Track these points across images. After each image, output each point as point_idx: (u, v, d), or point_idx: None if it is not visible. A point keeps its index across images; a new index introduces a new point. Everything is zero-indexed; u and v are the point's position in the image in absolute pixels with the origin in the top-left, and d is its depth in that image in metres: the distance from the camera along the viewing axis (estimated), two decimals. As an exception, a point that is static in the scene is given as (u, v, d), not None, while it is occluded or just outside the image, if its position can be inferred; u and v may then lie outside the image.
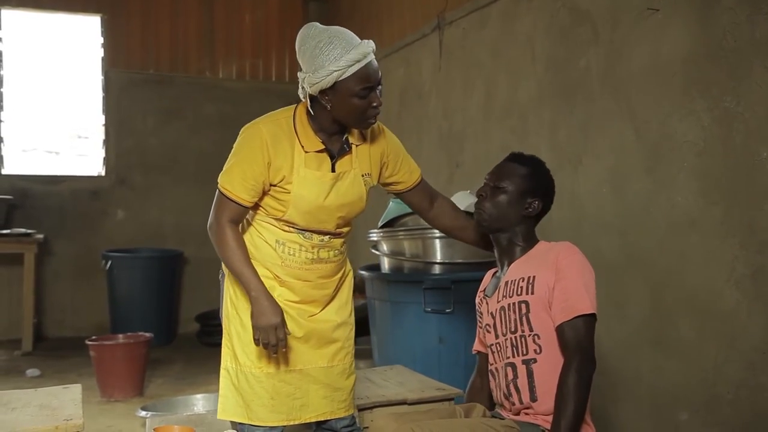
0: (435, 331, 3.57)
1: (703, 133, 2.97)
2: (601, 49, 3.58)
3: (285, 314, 2.27)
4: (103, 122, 7.16)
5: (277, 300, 2.28)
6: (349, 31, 2.22)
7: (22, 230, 6.28)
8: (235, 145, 2.30)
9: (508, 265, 2.36)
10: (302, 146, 2.25)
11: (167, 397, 4.19)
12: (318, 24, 2.23)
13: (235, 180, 2.24)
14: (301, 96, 2.25)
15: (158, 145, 7.31)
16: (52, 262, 6.90)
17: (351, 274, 2.54)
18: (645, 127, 3.29)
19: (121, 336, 4.99)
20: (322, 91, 2.16)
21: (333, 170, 2.29)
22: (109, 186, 7.16)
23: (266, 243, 2.33)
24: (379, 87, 2.21)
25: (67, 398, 2.70)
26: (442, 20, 5.19)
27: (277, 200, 2.28)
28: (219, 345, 2.44)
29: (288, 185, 2.24)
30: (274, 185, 2.26)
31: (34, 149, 7.27)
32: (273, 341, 2.20)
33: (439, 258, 3.64)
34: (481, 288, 2.51)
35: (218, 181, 2.30)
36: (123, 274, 6.54)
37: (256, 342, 2.23)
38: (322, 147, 2.27)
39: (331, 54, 2.12)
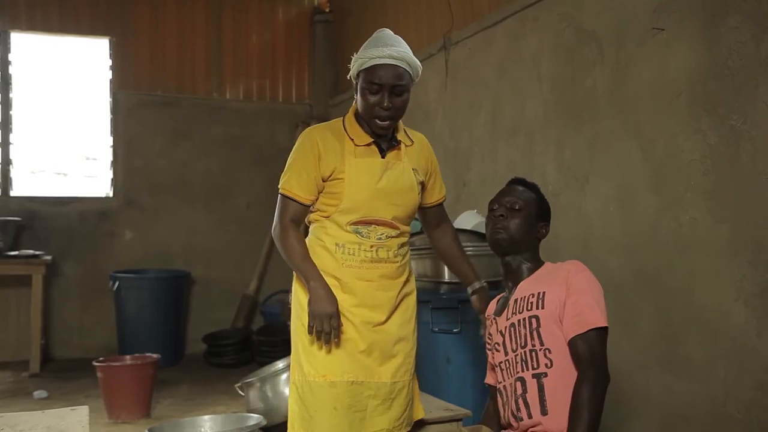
0: (443, 351, 3.55)
1: (710, 151, 2.97)
2: (607, 68, 3.59)
3: (348, 323, 2.37)
4: (111, 144, 7.20)
5: (342, 304, 2.36)
6: (398, 37, 2.45)
7: (31, 252, 6.29)
8: (292, 151, 2.46)
9: (516, 285, 2.38)
10: (352, 139, 2.41)
11: (174, 418, 4.18)
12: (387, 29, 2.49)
13: (292, 179, 2.39)
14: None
15: (166, 166, 7.34)
16: (60, 284, 6.91)
17: (415, 293, 2.60)
18: (651, 146, 3.29)
19: (128, 357, 4.98)
20: (356, 81, 2.41)
21: (383, 157, 2.45)
22: (117, 207, 7.18)
23: (325, 249, 2.42)
24: (400, 96, 2.37)
25: (74, 420, 2.70)
26: (448, 40, 5.22)
27: (331, 195, 2.39)
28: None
29: (341, 174, 2.37)
30: (326, 180, 2.38)
31: (42, 171, 7.30)
32: (327, 329, 2.28)
33: (446, 278, 3.63)
34: (488, 313, 2.53)
35: (279, 186, 2.43)
36: (130, 295, 6.54)
37: (310, 330, 2.31)
38: (371, 140, 2.43)
39: (365, 45, 2.40)
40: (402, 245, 2.51)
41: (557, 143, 3.98)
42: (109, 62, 7.18)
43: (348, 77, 2.49)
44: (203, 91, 7.54)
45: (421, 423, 2.73)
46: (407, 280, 2.55)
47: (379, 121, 2.38)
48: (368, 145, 2.43)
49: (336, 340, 2.34)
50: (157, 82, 7.35)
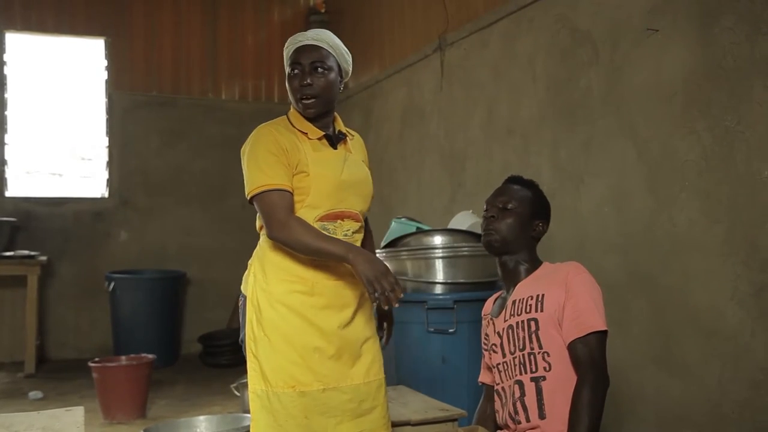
0: (438, 351, 3.56)
1: (705, 152, 2.98)
2: (602, 69, 3.60)
3: (315, 330, 2.29)
4: (107, 144, 7.20)
5: (309, 310, 2.29)
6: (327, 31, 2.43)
7: (26, 252, 6.28)
8: (247, 154, 2.35)
9: (514, 286, 2.37)
10: (305, 133, 2.37)
11: (170, 418, 4.18)
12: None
13: (268, 172, 2.27)
14: None
15: (161, 167, 7.34)
16: (56, 284, 6.90)
17: None
18: (646, 147, 3.30)
19: (123, 358, 4.98)
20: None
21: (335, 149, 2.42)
22: (113, 207, 7.18)
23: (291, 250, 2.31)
24: (323, 76, 2.35)
25: (69, 421, 2.69)
26: (443, 41, 5.23)
27: (296, 190, 2.31)
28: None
29: (305, 168, 2.30)
30: (294, 173, 2.31)
31: (37, 171, 7.29)
32: (388, 287, 2.12)
33: (441, 278, 3.64)
34: (485, 312, 2.53)
35: (251, 190, 2.29)
36: (126, 296, 6.54)
37: (374, 299, 2.14)
38: (322, 133, 2.39)
39: None
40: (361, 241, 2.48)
41: (552, 144, 3.99)
42: (105, 62, 7.18)
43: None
44: (199, 91, 7.54)
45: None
46: None
47: (303, 101, 2.34)
48: (320, 138, 2.38)
49: (402, 296, 2.15)
50: (152, 83, 7.35)
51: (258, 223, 2.43)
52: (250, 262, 2.45)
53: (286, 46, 2.42)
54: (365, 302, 2.44)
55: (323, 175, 2.31)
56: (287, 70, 2.41)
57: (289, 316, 2.30)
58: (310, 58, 2.35)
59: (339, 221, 2.35)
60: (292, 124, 2.40)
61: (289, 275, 2.32)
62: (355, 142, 2.53)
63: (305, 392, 2.28)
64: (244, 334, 2.38)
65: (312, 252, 2.26)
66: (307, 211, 2.31)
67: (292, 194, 2.29)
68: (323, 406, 2.29)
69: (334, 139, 2.43)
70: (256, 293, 2.35)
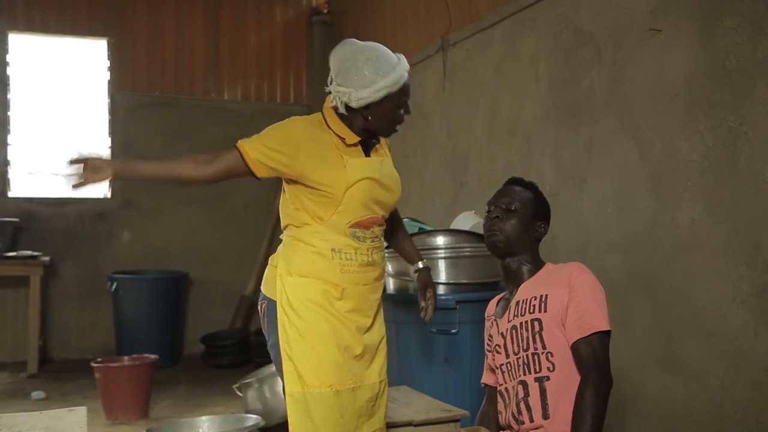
0: (440, 351, 3.56)
1: (707, 152, 2.98)
2: (604, 69, 3.60)
3: (345, 329, 2.33)
4: (109, 144, 7.20)
5: (336, 312, 2.32)
6: (383, 47, 2.41)
7: (28, 252, 6.29)
8: (269, 127, 2.37)
9: (517, 288, 2.38)
10: (342, 139, 2.36)
11: (172, 419, 4.18)
12: (355, 41, 2.41)
13: (258, 149, 2.30)
14: (340, 107, 2.38)
15: (164, 167, 7.33)
16: (58, 285, 6.91)
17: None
18: (649, 147, 3.30)
19: (126, 358, 4.99)
20: (376, 102, 2.32)
21: (367, 155, 2.43)
22: (115, 208, 7.19)
23: (321, 255, 2.33)
24: None
25: (72, 421, 2.70)
26: (445, 41, 5.23)
27: (324, 192, 2.32)
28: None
29: (328, 178, 2.32)
30: (295, 180, 2.33)
31: (40, 172, 7.29)
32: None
33: (443, 278, 3.63)
34: (489, 314, 2.53)
35: (237, 144, 2.33)
36: (128, 296, 6.54)
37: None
38: (359, 139, 2.39)
39: (380, 70, 2.31)
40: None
41: (555, 144, 3.99)
42: (107, 63, 7.19)
43: (358, 105, 2.32)
44: (201, 91, 7.55)
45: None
46: (383, 280, 2.54)
47: (396, 128, 2.43)
48: (355, 144, 2.39)
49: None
50: (154, 83, 7.35)
51: (283, 222, 2.45)
52: (272, 263, 2.45)
53: (385, 83, 2.31)
54: (381, 304, 2.48)
55: (361, 182, 2.32)
56: (396, 102, 2.36)
57: (325, 315, 2.32)
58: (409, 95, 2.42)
59: (371, 229, 2.39)
60: (328, 125, 2.39)
61: (319, 279, 2.33)
62: (384, 142, 2.55)
63: (340, 391, 2.30)
64: (275, 339, 2.37)
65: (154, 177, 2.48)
66: (339, 217, 2.33)
67: (248, 174, 2.35)
68: (353, 405, 2.33)
69: (369, 146, 2.44)
70: (287, 295, 2.34)
